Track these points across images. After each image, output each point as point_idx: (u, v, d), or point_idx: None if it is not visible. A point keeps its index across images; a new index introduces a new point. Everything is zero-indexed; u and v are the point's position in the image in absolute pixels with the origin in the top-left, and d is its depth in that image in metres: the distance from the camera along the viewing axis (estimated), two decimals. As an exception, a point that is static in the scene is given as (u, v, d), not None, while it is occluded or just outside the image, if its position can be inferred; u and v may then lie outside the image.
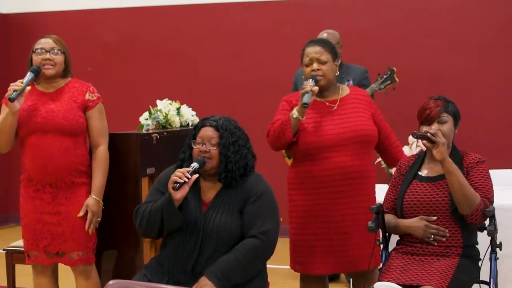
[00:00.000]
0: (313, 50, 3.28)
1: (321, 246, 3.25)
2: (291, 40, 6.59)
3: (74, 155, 3.35)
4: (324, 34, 4.91)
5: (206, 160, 2.92)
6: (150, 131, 3.84)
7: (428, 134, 2.90)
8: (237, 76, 6.82)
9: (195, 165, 2.88)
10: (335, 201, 3.21)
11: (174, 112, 4.04)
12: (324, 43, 3.33)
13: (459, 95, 6.32)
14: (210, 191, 2.99)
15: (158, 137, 3.75)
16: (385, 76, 4.60)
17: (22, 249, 3.83)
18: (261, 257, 2.93)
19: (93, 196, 3.36)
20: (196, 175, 2.87)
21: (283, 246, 6.36)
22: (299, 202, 3.29)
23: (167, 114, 4.02)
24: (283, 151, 4.97)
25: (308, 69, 3.28)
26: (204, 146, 2.95)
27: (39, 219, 3.36)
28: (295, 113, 3.15)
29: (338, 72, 3.35)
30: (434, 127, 2.97)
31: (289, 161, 4.96)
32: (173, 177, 2.83)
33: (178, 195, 2.82)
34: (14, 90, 3.20)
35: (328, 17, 6.41)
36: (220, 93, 6.83)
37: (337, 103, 3.30)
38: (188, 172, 2.83)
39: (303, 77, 3.32)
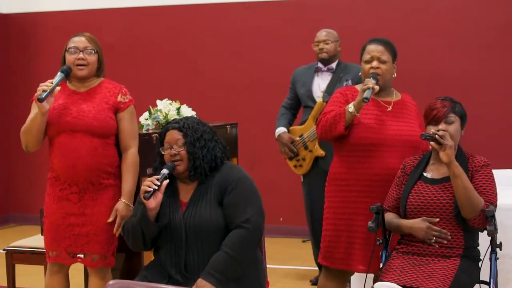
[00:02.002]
0: (375, 48, 3.31)
1: (360, 244, 3.26)
2: (291, 40, 6.60)
3: (102, 156, 3.31)
4: (323, 33, 4.91)
5: (176, 163, 2.95)
6: (150, 131, 3.84)
7: (436, 136, 2.90)
8: (237, 76, 6.82)
9: (165, 171, 2.92)
10: (376, 201, 3.18)
11: (174, 112, 4.04)
12: (386, 43, 3.35)
13: (459, 95, 6.29)
14: (187, 191, 3.01)
15: (158, 137, 3.74)
16: None
17: (22, 249, 3.84)
18: (250, 245, 2.91)
19: (123, 200, 3.31)
20: (167, 181, 2.90)
21: (284, 247, 6.35)
22: (343, 198, 3.31)
23: (167, 114, 4.02)
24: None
25: (368, 66, 3.29)
26: (172, 149, 2.97)
27: (63, 219, 3.31)
28: (351, 107, 3.18)
29: (395, 74, 3.37)
30: (441, 127, 2.97)
31: (290, 163, 4.96)
32: (143, 187, 2.89)
33: (152, 203, 2.87)
34: (43, 90, 3.14)
35: (328, 17, 6.40)
36: (220, 93, 6.83)
37: (391, 104, 3.33)
38: (157, 179, 2.88)
39: (360, 74, 3.35)
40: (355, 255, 3.29)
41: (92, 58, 3.35)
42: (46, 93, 3.14)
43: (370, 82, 3.17)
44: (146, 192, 2.86)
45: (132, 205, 3.33)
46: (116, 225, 3.31)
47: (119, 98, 3.38)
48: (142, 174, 3.58)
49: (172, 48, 7.01)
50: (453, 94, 3.22)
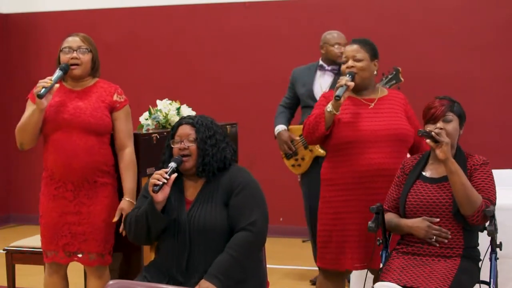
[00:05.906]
0: (350, 48, 3.37)
1: (353, 242, 3.27)
2: (291, 40, 6.61)
3: (98, 154, 3.32)
4: (334, 34, 4.89)
5: (184, 159, 2.95)
6: (150, 131, 3.84)
7: (433, 132, 2.90)
8: (237, 76, 6.82)
9: (172, 164, 2.92)
10: (369, 198, 3.21)
11: (174, 112, 4.04)
12: (362, 42, 3.39)
13: (459, 95, 6.29)
14: (193, 189, 3.00)
15: (158, 137, 3.75)
16: (390, 76, 4.59)
17: (22, 249, 3.84)
18: (254, 248, 2.93)
19: (127, 199, 3.34)
20: (175, 175, 2.89)
21: (284, 247, 6.34)
22: (333, 198, 3.32)
23: (167, 114, 4.02)
24: (282, 153, 4.98)
25: (344, 66, 3.35)
26: (183, 143, 2.97)
27: (59, 218, 3.32)
28: (329, 107, 3.23)
29: (376, 72, 3.38)
30: (439, 125, 2.98)
31: (287, 162, 4.96)
32: (152, 180, 2.87)
33: (160, 197, 2.86)
34: (43, 87, 3.15)
35: (328, 17, 6.41)
36: (220, 93, 6.83)
37: (374, 101, 3.35)
38: (166, 172, 2.87)
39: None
40: (347, 254, 3.29)
41: (86, 57, 3.35)
42: (45, 89, 3.15)
43: (344, 80, 3.21)
44: (155, 185, 2.85)
45: (135, 203, 3.33)
46: (122, 225, 3.31)
47: (115, 98, 3.39)
48: (142, 174, 3.59)
49: (172, 48, 7.01)
50: (452, 94, 3.23)
